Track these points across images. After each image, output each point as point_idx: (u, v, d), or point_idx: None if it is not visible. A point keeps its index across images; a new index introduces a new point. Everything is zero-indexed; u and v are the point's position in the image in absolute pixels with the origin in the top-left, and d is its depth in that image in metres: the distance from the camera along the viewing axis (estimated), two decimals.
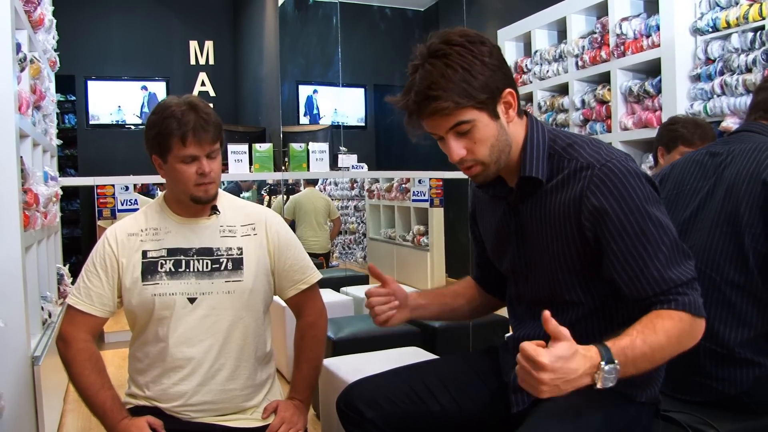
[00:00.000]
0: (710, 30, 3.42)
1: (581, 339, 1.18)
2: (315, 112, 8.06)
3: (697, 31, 3.51)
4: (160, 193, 1.89)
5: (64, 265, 4.07)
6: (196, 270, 1.75)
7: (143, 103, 8.11)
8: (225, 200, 1.86)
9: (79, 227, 7.84)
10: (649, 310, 1.29)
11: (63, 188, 3.79)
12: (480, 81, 1.31)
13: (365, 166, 5.59)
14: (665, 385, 1.54)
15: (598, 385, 1.17)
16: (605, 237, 1.31)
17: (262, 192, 7.70)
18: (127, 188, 4.78)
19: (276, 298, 1.91)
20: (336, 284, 4.54)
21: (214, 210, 1.81)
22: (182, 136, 1.62)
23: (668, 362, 1.30)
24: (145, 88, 8.13)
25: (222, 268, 1.76)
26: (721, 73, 3.36)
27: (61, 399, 3.40)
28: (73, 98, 8.00)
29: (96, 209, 4.71)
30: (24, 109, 2.62)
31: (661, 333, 1.23)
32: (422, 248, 6.70)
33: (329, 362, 2.36)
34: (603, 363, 1.16)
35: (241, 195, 7.12)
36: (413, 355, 2.42)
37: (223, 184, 6.71)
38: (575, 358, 1.15)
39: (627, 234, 1.30)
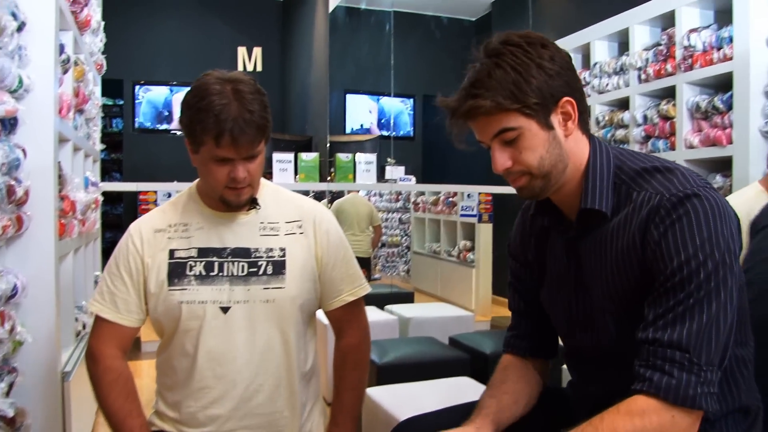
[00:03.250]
0: None
1: None
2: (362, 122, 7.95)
3: None
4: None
5: (103, 272, 3.98)
6: (230, 274, 1.54)
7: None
8: (268, 191, 1.66)
9: (122, 232, 7.84)
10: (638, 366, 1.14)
11: (108, 192, 3.71)
12: (531, 85, 1.17)
13: (413, 179, 5.45)
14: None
15: None
16: (655, 272, 1.15)
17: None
18: (169, 195, 4.71)
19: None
20: (380, 301, 4.32)
21: (254, 204, 1.60)
22: (217, 136, 1.40)
23: None
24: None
25: (260, 272, 1.55)
26: None
27: (93, 411, 3.28)
28: (121, 102, 8.02)
29: (138, 215, 4.65)
30: (65, 113, 2.52)
31: None
32: (468, 264, 6.53)
33: (373, 392, 2.23)
34: None
35: None
36: (464, 387, 2.26)
37: None
38: None
39: (673, 277, 1.12)
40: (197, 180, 1.64)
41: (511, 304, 1.52)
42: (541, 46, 1.20)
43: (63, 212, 2.42)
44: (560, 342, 1.48)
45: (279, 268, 1.56)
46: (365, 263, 6.43)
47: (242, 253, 1.56)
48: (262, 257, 1.56)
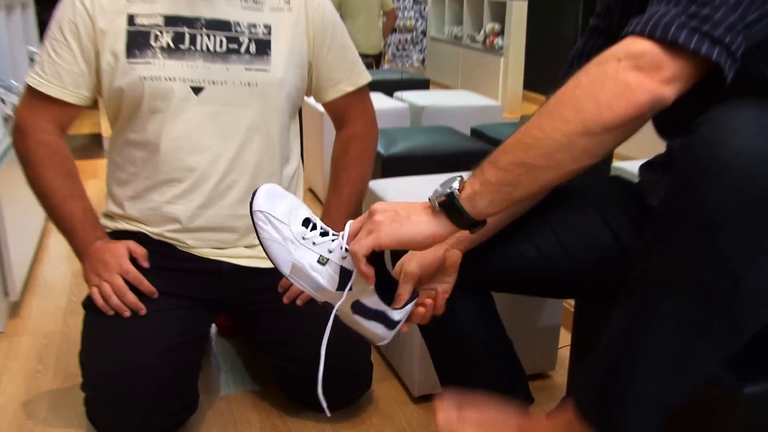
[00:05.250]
0: None
1: None
2: None
3: None
4: None
5: (42, 41, 3.43)
6: (205, 49, 1.44)
7: None
8: None
9: None
10: None
11: None
12: None
13: None
14: None
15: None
16: None
17: None
18: None
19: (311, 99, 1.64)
20: (389, 87, 3.92)
21: None
22: None
23: None
24: None
25: (242, 50, 1.46)
26: None
27: (42, 216, 2.95)
28: None
29: None
30: None
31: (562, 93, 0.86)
32: (495, 52, 5.92)
33: (376, 184, 1.95)
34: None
35: None
36: None
37: None
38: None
39: None
40: None
41: (591, 21, 1.27)
42: None
43: None
44: None
45: (263, 47, 1.48)
46: (375, 58, 5.91)
47: (220, 26, 1.45)
48: (243, 33, 1.46)
